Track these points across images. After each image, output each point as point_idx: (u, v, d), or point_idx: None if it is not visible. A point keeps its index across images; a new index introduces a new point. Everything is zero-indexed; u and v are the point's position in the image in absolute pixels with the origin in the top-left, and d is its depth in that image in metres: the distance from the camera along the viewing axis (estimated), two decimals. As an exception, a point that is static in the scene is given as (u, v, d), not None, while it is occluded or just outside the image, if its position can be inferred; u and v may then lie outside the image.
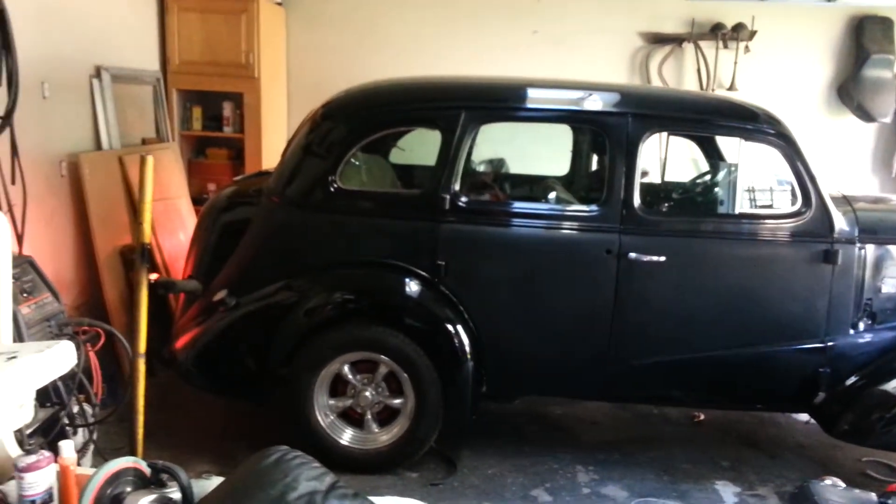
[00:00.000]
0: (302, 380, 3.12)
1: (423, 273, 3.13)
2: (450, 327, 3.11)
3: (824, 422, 3.24)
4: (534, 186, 4.16)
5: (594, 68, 5.69)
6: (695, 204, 3.79)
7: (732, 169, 3.45)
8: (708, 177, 3.85)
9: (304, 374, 3.12)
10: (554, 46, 5.82)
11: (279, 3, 5.85)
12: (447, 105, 3.22)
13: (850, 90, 5.65)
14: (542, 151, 4.76)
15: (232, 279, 3.29)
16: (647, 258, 3.10)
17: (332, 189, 3.16)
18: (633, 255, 3.09)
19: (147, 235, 3.00)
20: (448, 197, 3.11)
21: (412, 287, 3.12)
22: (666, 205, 3.81)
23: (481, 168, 4.54)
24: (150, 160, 2.95)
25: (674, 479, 3.25)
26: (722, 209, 3.46)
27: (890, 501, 1.72)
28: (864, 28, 5.65)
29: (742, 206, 3.23)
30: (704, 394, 3.36)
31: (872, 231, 3.23)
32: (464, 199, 3.16)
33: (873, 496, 1.79)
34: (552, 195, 3.71)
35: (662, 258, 3.10)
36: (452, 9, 5.85)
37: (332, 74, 5.48)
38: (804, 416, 3.58)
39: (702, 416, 3.88)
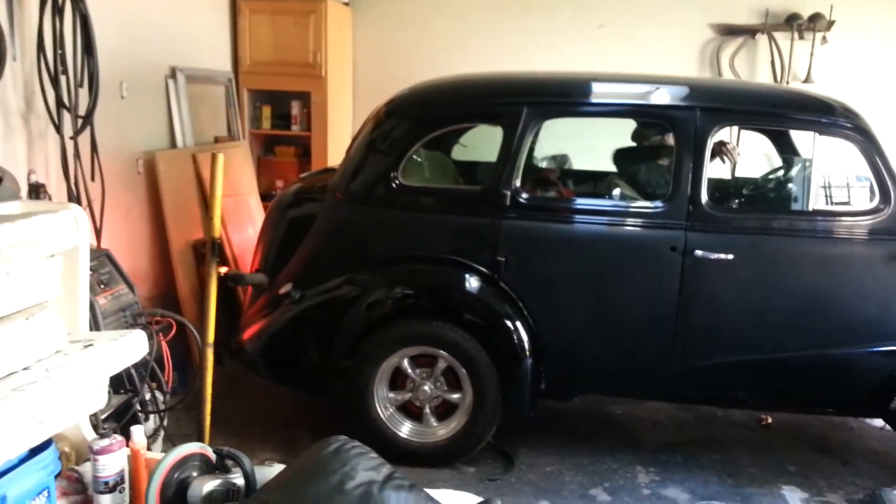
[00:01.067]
0: (363, 372, 3.17)
1: (484, 269, 3.14)
2: (509, 323, 3.11)
3: (903, 429, 3.10)
4: (597, 182, 4.10)
5: (663, 62, 5.56)
6: (765, 200, 3.65)
7: (806, 164, 3.32)
8: (780, 172, 3.71)
9: (364, 367, 3.17)
10: (621, 40, 5.72)
11: (346, 4, 5.95)
12: (509, 101, 3.21)
13: (938, 81, 5.34)
14: (607, 147, 4.70)
15: (297, 273, 3.38)
16: (714, 256, 3.02)
17: (394, 185, 3.20)
18: (699, 252, 3.02)
19: (217, 230, 3.11)
20: (509, 193, 3.11)
21: (472, 283, 3.14)
22: (735, 201, 3.68)
23: (544, 164, 4.51)
24: (220, 158, 3.06)
25: (738, 483, 3.17)
26: (794, 206, 3.34)
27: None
28: (957, 15, 5.33)
29: (816, 202, 3.11)
30: (772, 396, 3.26)
31: (956, 229, 3.05)
32: (524, 195, 3.15)
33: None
34: (616, 191, 3.66)
35: (730, 256, 3.01)
36: (517, 4, 5.83)
37: (397, 73, 5.53)
38: (879, 422, 3.41)
39: (769, 420, 3.76)
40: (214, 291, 3.10)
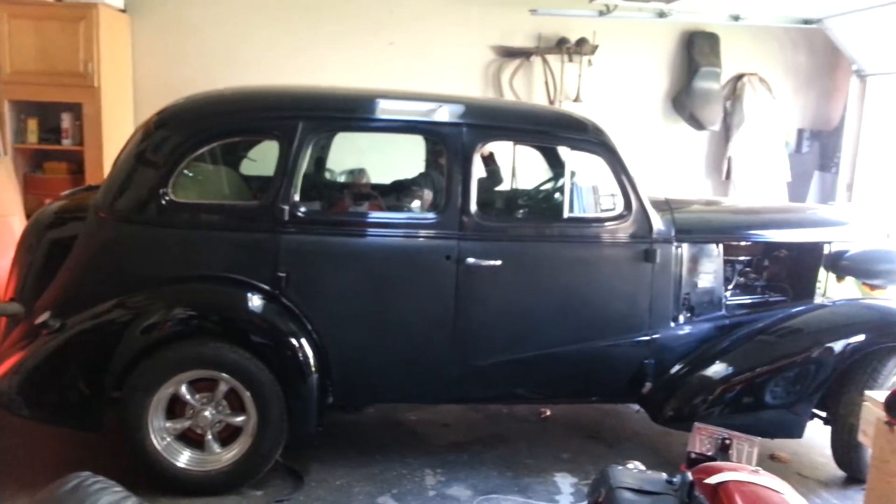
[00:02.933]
0: (134, 403, 2.99)
1: (264, 286, 3.10)
2: (292, 340, 3.08)
3: (652, 410, 3.47)
4: (386, 196, 4.20)
5: (450, 80, 5.85)
6: (528, 210, 3.98)
7: (564, 176, 3.62)
8: (541, 184, 4.04)
9: (136, 397, 2.99)
10: (410, 58, 5.92)
11: (123, 10, 5.61)
12: (284, 115, 3.20)
13: (683, 100, 6.11)
14: (403, 161, 4.84)
15: (57, 300, 3.11)
16: (484, 263, 3.21)
17: (163, 202, 3.06)
18: (471, 260, 3.19)
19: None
20: (287, 208, 3.09)
21: (251, 301, 3.08)
22: (501, 211, 3.96)
23: (342, 178, 4.55)
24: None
25: (516, 475, 3.38)
26: (553, 214, 3.63)
27: (675, 480, 1.86)
28: (693, 43, 6.13)
29: (572, 211, 3.40)
30: (545, 390, 3.52)
31: (688, 231, 3.51)
32: (303, 209, 3.14)
33: (663, 476, 1.93)
34: (399, 204, 3.79)
35: (499, 262, 3.22)
36: (307, 19, 5.83)
37: (182, 84, 5.28)
38: (636, 406, 3.80)
39: (548, 412, 4.05)
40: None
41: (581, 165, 3.57)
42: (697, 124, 6.11)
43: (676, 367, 3.48)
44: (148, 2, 5.71)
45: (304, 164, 3.19)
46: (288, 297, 3.11)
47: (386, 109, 3.34)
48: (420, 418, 3.96)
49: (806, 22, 5.86)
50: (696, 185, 6.38)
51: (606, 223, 3.36)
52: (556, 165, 4.13)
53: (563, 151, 3.38)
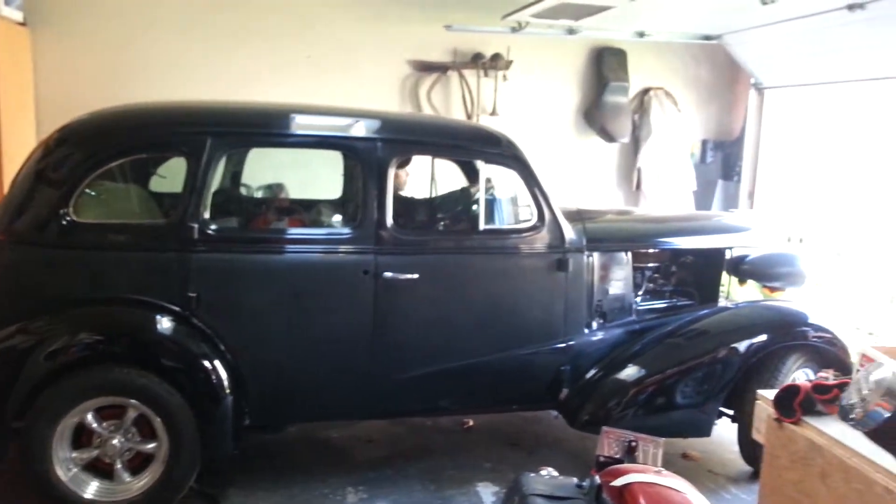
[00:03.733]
0: (38, 433, 2.84)
1: (174, 307, 3.01)
2: (204, 362, 3.00)
3: (569, 415, 3.55)
4: (303, 211, 4.16)
5: (368, 94, 5.85)
6: (445, 222, 4.01)
7: (478, 189, 3.68)
8: (459, 198, 4.09)
9: (39, 427, 2.84)
10: (328, 72, 5.89)
11: (22, 24, 5.36)
12: (191, 130, 3.13)
13: (594, 114, 6.32)
14: (324, 176, 4.80)
15: (-52, 328, 2.93)
16: (402, 276, 3.22)
17: (64, 222, 2.94)
18: (388, 274, 3.20)
19: None
20: (196, 226, 3.01)
21: (160, 323, 2.98)
22: (419, 225, 3.99)
23: (259, 193, 4.47)
24: None
25: (439, 487, 3.39)
26: (469, 226, 3.68)
27: (584, 483, 1.91)
28: (602, 58, 6.36)
29: (488, 223, 3.46)
30: (467, 400, 3.55)
31: (599, 240, 3.62)
32: (214, 226, 3.08)
33: (574, 480, 1.98)
34: (316, 220, 3.76)
35: (416, 276, 3.23)
36: (220, 31, 5.72)
37: (88, 99, 5.09)
38: (554, 412, 3.88)
39: (471, 423, 4.09)
40: None
41: (499, 178, 3.64)
42: (608, 137, 6.33)
43: (591, 373, 3.57)
44: (50, 14, 5.47)
45: (214, 181, 3.13)
46: (199, 317, 3.03)
47: (299, 124, 3.31)
48: (342, 435, 3.92)
49: (707, 38, 6.17)
50: (609, 195, 6.60)
51: (520, 234, 3.43)
52: (475, 179, 4.20)
53: (479, 165, 3.43)
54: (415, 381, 3.35)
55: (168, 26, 5.64)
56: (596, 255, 3.60)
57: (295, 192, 4.58)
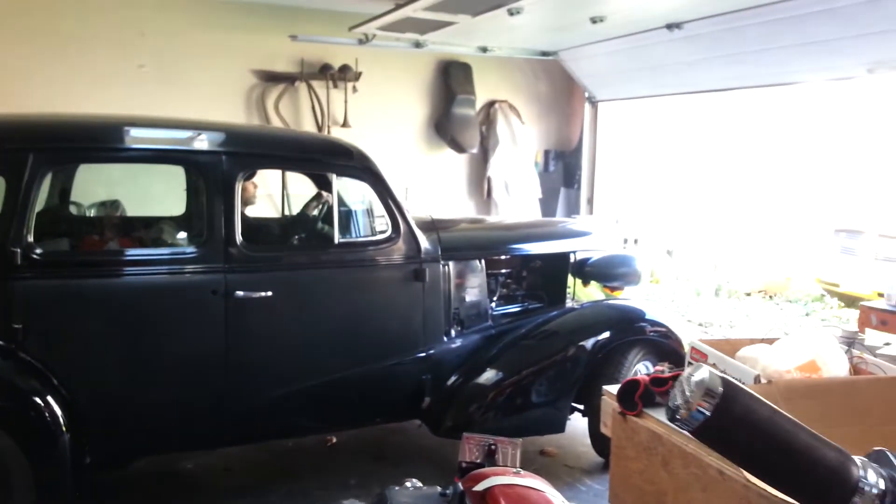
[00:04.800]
0: None
1: (-3, 341, 2.71)
2: (35, 399, 2.73)
3: (432, 424, 3.59)
4: (142, 230, 3.90)
5: (210, 106, 5.61)
6: (298, 237, 3.93)
7: (331, 202, 3.64)
8: (313, 211, 4.03)
9: None
10: (164, 83, 5.60)
11: None
12: (9, 147, 2.84)
13: (444, 125, 6.47)
14: (163, 191, 4.54)
15: None
16: (254, 295, 3.10)
17: None
18: (240, 293, 3.07)
19: None
20: (19, 251, 2.74)
21: (-21, 359, 2.68)
22: (270, 240, 3.88)
23: (91, 212, 4.13)
24: None
25: (305, 509, 3.30)
26: (323, 240, 3.63)
27: (448, 492, 1.92)
28: (450, 72, 6.53)
29: (342, 236, 3.42)
30: (330, 418, 3.49)
31: (453, 249, 3.69)
32: (39, 250, 2.81)
33: (438, 489, 1.99)
34: (157, 238, 3.54)
35: (270, 293, 3.13)
36: (45, 38, 5.26)
37: None
38: (417, 422, 3.90)
39: (334, 440, 4.02)
40: None
41: (351, 190, 3.62)
42: (458, 147, 6.50)
43: (451, 380, 3.63)
44: None
45: (37, 202, 2.85)
46: (27, 350, 2.76)
47: (135, 137, 3.11)
48: (197, 465, 3.71)
49: (544, 54, 6.51)
50: (461, 204, 6.77)
51: (376, 246, 3.43)
52: (328, 191, 4.15)
53: (331, 177, 3.38)
54: (273, 403, 3.24)
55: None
56: (451, 263, 3.67)
57: (132, 209, 4.30)
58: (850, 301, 8.27)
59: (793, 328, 7.57)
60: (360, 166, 3.42)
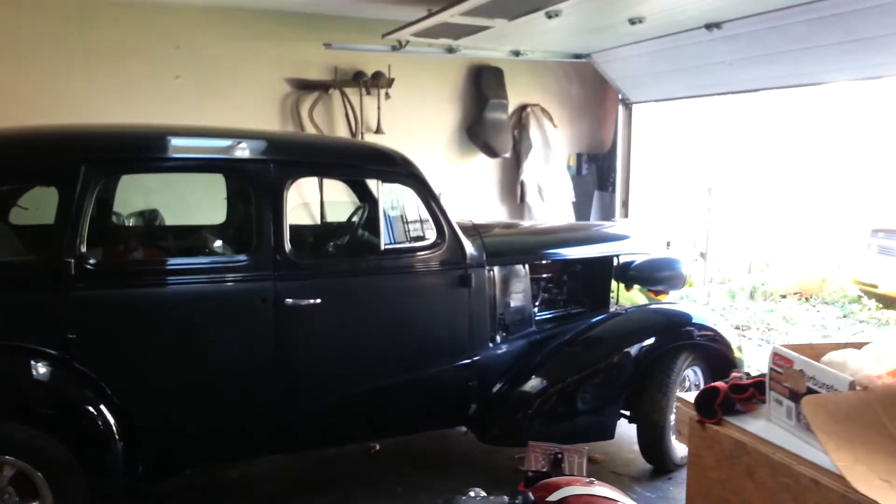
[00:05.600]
0: None
1: (51, 351, 2.72)
2: (90, 409, 2.74)
3: (478, 431, 3.55)
4: (186, 239, 3.92)
5: (245, 115, 5.65)
6: (345, 245, 3.91)
7: (377, 209, 3.63)
8: (356, 218, 4.02)
9: None
10: (200, 93, 5.64)
11: None
12: (63, 157, 2.87)
13: (476, 130, 6.44)
14: (201, 200, 4.57)
15: None
16: (304, 302, 3.10)
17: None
18: (289, 300, 3.07)
19: None
20: (73, 261, 2.75)
21: (36, 369, 2.69)
22: (317, 248, 3.86)
23: (130, 222, 4.16)
24: None
25: (354, 518, 3.28)
26: (369, 247, 3.61)
27: (518, 501, 1.89)
28: (481, 77, 6.50)
29: (388, 243, 3.40)
30: (375, 425, 3.47)
31: (498, 254, 3.66)
32: (93, 260, 2.82)
33: (505, 499, 1.95)
34: (203, 247, 3.55)
35: (319, 300, 3.12)
36: (85, 54, 5.33)
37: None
38: (462, 429, 3.87)
39: (377, 447, 3.99)
40: None
41: (395, 196, 3.60)
42: (491, 152, 6.46)
43: (497, 386, 3.60)
44: None
45: (89, 212, 2.87)
46: (80, 360, 2.76)
47: (183, 147, 3.13)
48: (243, 475, 3.71)
49: (576, 56, 6.46)
50: (494, 208, 6.74)
51: (422, 252, 3.41)
52: (364, 198, 4.15)
53: (374, 184, 3.37)
54: (323, 410, 3.23)
55: (24, 47, 5.18)
56: (496, 268, 3.64)
57: (170, 218, 4.33)
58: (887, 302, 8.11)
59: (832, 330, 7.42)
60: (404, 172, 3.40)
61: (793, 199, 9.49)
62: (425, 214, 3.45)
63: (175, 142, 3.12)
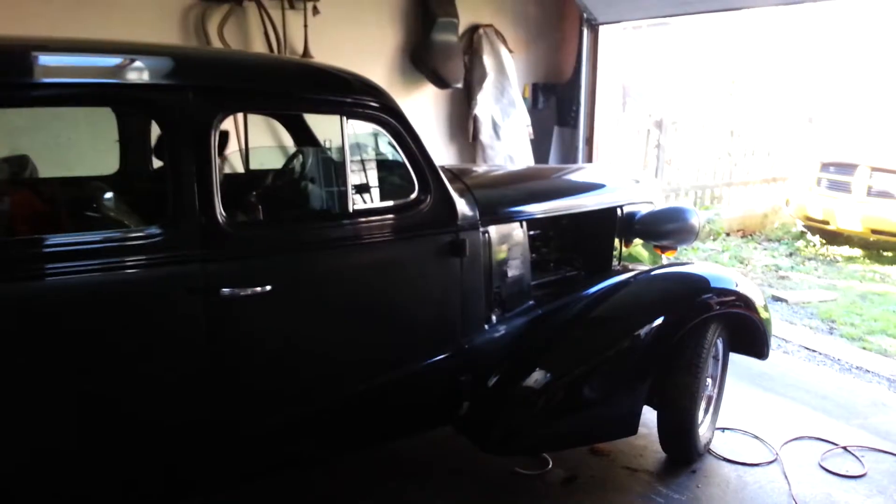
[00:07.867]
0: None
1: None
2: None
3: (475, 435, 2.80)
4: (70, 196, 2.85)
5: (135, 31, 4.46)
6: (297, 207, 2.88)
7: (335, 156, 2.73)
8: (305, 169, 3.07)
9: None
10: (75, 3, 4.40)
11: None
12: None
13: (423, 55, 5.48)
14: (87, 142, 3.54)
15: None
16: (247, 292, 2.20)
17: None
18: (226, 290, 2.16)
19: None
20: None
21: None
22: (261, 213, 2.72)
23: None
24: None
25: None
26: (336, 210, 2.64)
27: None
28: (427, -10, 5.50)
29: (355, 202, 2.51)
30: (354, 437, 2.64)
31: (492, 211, 2.86)
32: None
33: None
34: (93, 210, 2.53)
35: (268, 288, 2.23)
36: None
37: None
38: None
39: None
40: None
41: (362, 139, 2.71)
42: (441, 82, 5.54)
43: (494, 379, 2.84)
44: None
45: None
46: None
47: (55, 69, 2.07)
48: None
49: (534, -32, 5.58)
50: (442, 149, 5.87)
51: (403, 213, 2.54)
52: (306, 141, 3.22)
53: (342, 122, 2.43)
54: (279, 430, 2.40)
55: None
56: (492, 230, 2.83)
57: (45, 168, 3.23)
58: (832, 238, 7.91)
59: (787, 270, 7.12)
60: (376, 104, 2.49)
61: (744, 133, 9.16)
62: (402, 161, 2.57)
63: (46, 61, 2.05)
